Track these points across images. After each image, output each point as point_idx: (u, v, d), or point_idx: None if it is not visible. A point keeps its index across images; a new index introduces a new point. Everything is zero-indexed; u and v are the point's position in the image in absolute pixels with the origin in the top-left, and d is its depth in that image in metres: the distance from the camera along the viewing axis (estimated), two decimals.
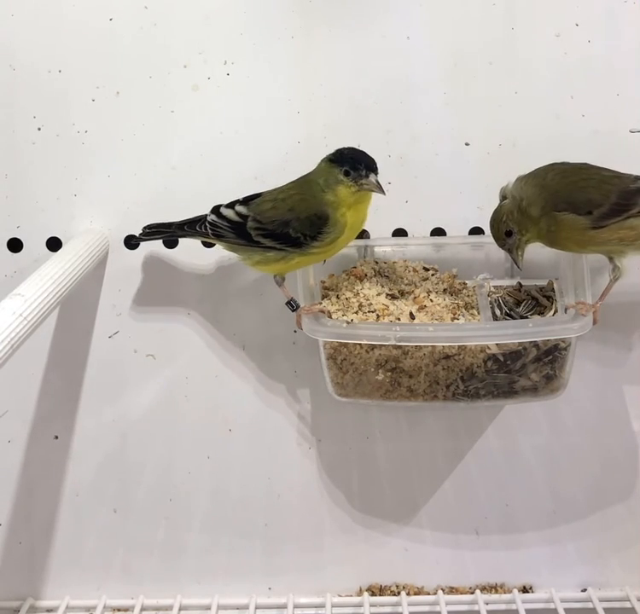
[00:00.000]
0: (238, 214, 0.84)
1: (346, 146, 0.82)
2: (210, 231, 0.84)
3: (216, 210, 0.85)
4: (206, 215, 0.85)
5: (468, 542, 1.00)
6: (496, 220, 0.83)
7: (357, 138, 0.90)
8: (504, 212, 0.82)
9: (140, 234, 0.88)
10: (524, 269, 0.87)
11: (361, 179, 0.80)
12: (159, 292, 0.94)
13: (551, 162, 0.83)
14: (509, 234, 0.82)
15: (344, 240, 0.83)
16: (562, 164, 0.82)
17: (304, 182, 0.84)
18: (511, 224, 0.81)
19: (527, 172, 0.82)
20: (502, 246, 0.83)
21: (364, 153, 0.81)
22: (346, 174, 0.80)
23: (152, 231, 0.87)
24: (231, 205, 0.85)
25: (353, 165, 0.80)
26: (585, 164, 0.82)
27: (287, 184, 0.85)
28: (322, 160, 0.83)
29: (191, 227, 0.85)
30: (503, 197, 0.83)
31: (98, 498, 0.99)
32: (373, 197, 0.83)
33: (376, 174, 0.80)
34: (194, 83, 0.89)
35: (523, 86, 0.89)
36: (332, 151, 0.82)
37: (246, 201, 0.85)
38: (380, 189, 0.80)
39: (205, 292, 0.94)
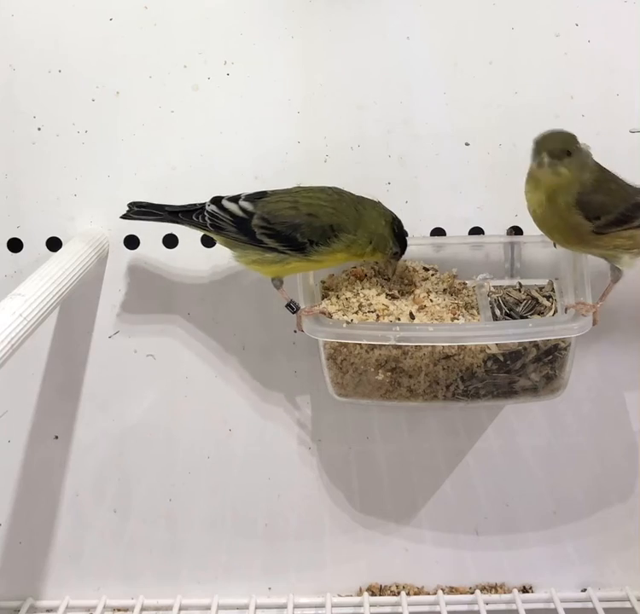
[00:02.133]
0: (243, 210, 0.83)
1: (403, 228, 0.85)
2: (208, 222, 0.83)
3: (216, 201, 0.84)
4: (203, 205, 0.84)
5: (468, 542, 1.00)
6: (569, 137, 0.77)
7: (357, 138, 0.90)
8: (578, 147, 0.77)
9: (128, 212, 0.85)
10: (524, 269, 0.88)
11: (395, 259, 0.86)
12: (159, 291, 0.94)
13: None
14: (569, 154, 0.77)
15: (343, 257, 0.84)
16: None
17: (341, 202, 0.83)
18: (574, 154, 0.77)
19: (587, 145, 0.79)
20: (551, 155, 0.76)
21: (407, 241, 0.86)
22: (394, 252, 0.85)
23: (142, 211, 0.84)
24: (234, 200, 0.84)
25: (402, 251, 0.86)
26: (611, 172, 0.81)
27: (312, 190, 0.84)
28: (380, 213, 0.84)
29: (187, 215, 0.83)
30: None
31: (98, 498, 0.99)
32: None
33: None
34: (195, 84, 0.89)
35: (523, 86, 0.89)
36: (395, 217, 0.84)
37: (251, 199, 0.83)
38: (392, 273, 0.88)
39: (205, 292, 0.94)
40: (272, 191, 0.84)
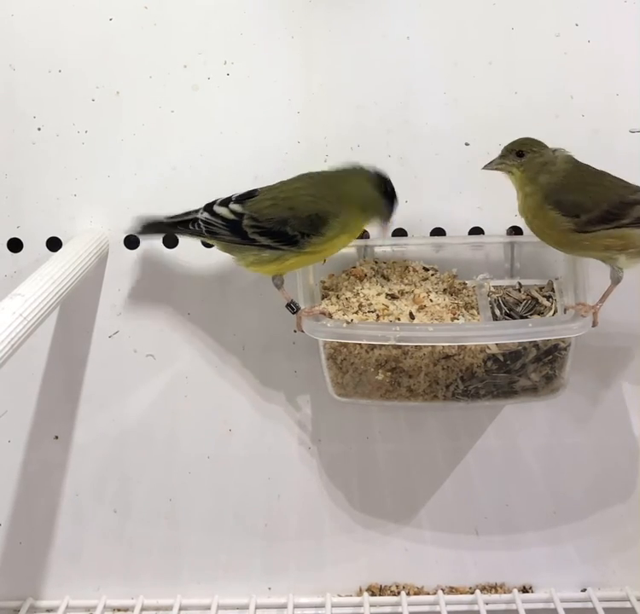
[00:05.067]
0: (233, 212, 0.83)
1: (389, 184, 0.83)
2: (204, 229, 0.83)
3: (208, 208, 0.84)
4: (197, 212, 0.84)
5: (468, 542, 1.00)
6: (524, 141, 0.82)
7: (357, 138, 0.90)
8: (539, 146, 0.81)
9: (138, 230, 0.87)
10: (524, 269, 0.89)
11: (385, 223, 0.84)
12: (159, 291, 0.94)
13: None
14: (520, 154, 0.81)
15: (341, 242, 0.83)
16: (585, 164, 0.82)
17: (322, 184, 0.83)
18: (527, 155, 0.81)
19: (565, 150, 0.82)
20: (501, 155, 0.82)
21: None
22: (383, 215, 0.83)
23: (146, 227, 0.86)
24: (225, 204, 0.84)
25: (389, 215, 0.84)
26: (604, 171, 0.82)
27: (290, 182, 0.84)
28: (363, 177, 0.82)
29: (183, 226, 0.84)
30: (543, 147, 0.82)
31: (98, 498, 0.99)
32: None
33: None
34: (194, 84, 0.89)
35: (523, 86, 0.89)
36: (381, 176, 0.83)
37: (240, 200, 0.84)
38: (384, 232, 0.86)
39: (205, 292, 0.94)
40: (261, 189, 0.85)
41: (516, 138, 0.82)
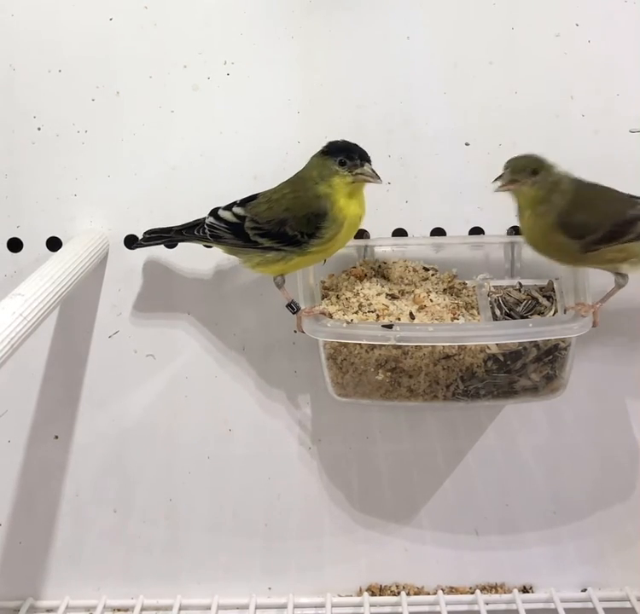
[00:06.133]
0: (235, 215, 0.84)
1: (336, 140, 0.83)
2: (208, 233, 0.85)
3: (214, 212, 0.86)
4: (205, 218, 0.86)
5: (468, 542, 1.00)
6: (536, 158, 0.79)
7: (357, 138, 0.89)
8: (548, 164, 0.79)
9: (141, 240, 0.88)
10: (524, 269, 0.89)
11: (356, 168, 0.81)
12: (159, 292, 0.94)
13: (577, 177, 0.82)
14: (534, 173, 0.79)
15: (343, 238, 0.83)
16: (587, 182, 0.81)
17: (297, 179, 0.84)
18: (541, 173, 0.78)
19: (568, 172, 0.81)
20: (513, 172, 0.79)
21: (356, 144, 0.82)
22: (342, 164, 0.81)
23: (153, 236, 0.88)
24: (229, 208, 0.85)
25: (348, 154, 0.81)
26: (606, 187, 0.81)
27: (280, 184, 0.85)
28: (313, 156, 0.83)
29: (189, 231, 0.86)
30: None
31: (98, 498, 0.99)
32: (373, 197, 0.84)
33: (370, 163, 0.81)
34: (194, 84, 0.89)
35: (523, 86, 0.89)
36: (330, 142, 0.83)
37: (243, 203, 0.85)
38: (376, 177, 0.81)
39: (205, 292, 0.94)
40: (261, 192, 0.85)
41: (522, 155, 0.79)
